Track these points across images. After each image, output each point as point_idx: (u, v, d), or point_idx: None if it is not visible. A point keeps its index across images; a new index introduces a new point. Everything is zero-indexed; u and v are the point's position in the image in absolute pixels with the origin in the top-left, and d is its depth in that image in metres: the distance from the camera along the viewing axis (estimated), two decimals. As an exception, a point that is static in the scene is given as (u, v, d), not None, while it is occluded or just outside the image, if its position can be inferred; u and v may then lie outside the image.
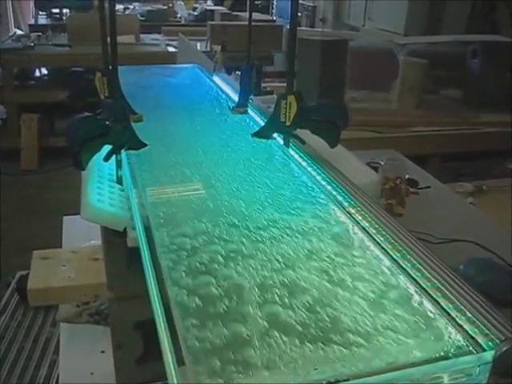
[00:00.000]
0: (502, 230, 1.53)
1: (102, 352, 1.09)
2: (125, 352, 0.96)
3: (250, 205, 0.80)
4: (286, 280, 0.62)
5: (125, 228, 0.80)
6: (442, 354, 0.48)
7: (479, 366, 0.48)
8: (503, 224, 1.59)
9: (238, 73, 2.37)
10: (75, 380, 1.04)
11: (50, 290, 0.98)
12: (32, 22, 5.89)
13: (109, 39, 0.85)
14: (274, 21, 5.17)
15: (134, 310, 0.91)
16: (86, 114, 0.77)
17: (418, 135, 3.00)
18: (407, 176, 1.67)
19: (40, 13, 5.87)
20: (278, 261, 0.66)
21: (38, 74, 4.74)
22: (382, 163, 1.71)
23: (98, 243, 1.04)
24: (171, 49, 4.27)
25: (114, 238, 0.84)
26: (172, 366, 0.50)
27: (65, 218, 1.58)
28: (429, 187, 1.80)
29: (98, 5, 0.90)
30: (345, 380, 0.45)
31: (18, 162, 3.97)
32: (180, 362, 0.51)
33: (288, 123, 0.90)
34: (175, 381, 0.49)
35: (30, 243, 2.68)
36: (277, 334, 0.53)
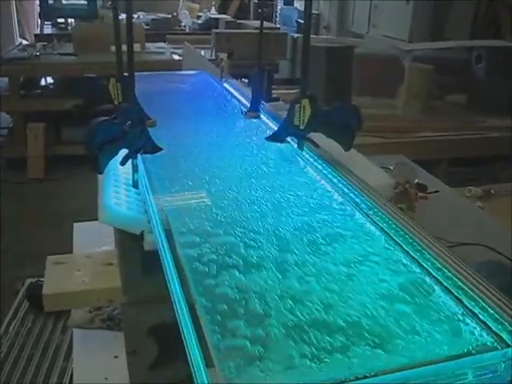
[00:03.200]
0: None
1: (116, 357, 1.09)
2: (139, 357, 0.96)
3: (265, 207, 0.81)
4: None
5: (141, 231, 0.80)
6: (467, 350, 0.49)
7: (504, 362, 0.49)
8: (512, 227, 1.59)
9: (244, 80, 2.38)
10: (90, 385, 1.04)
11: (64, 294, 0.98)
12: (37, 31, 5.92)
13: (125, 46, 0.86)
14: (279, 28, 5.19)
15: (149, 315, 0.91)
16: (104, 118, 0.77)
17: (424, 140, 3.00)
18: (416, 181, 1.68)
19: (45, 22, 5.89)
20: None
21: (43, 83, 4.76)
22: (392, 168, 1.71)
23: (111, 248, 1.05)
24: (176, 57, 4.29)
25: (129, 242, 0.85)
26: (202, 368, 0.50)
27: (75, 224, 1.58)
28: (437, 192, 1.80)
29: (112, 13, 0.91)
30: (372, 376, 0.45)
31: (24, 171, 3.99)
32: (209, 363, 0.51)
33: (302, 127, 0.91)
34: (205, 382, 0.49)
35: (37, 252, 2.68)
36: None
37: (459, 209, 1.75)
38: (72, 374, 1.27)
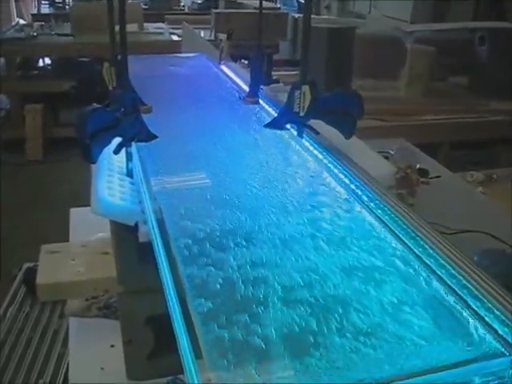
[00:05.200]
0: (513, 219, 1.51)
1: (112, 346, 1.08)
2: (135, 347, 0.95)
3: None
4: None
5: (136, 222, 0.78)
6: (473, 356, 0.47)
7: (512, 368, 0.47)
8: (514, 213, 1.57)
9: (244, 61, 2.33)
10: (85, 376, 1.02)
11: (59, 284, 0.96)
12: (35, 11, 5.85)
13: (117, 28, 0.83)
14: (279, 8, 5.11)
15: (145, 305, 0.90)
16: (95, 105, 0.74)
17: (425, 123, 2.96)
18: (418, 166, 1.65)
19: (43, 2, 5.82)
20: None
21: (41, 63, 4.70)
22: (392, 152, 1.69)
23: (107, 236, 1.03)
24: (175, 37, 4.24)
25: (124, 232, 0.83)
26: (190, 360, 0.50)
27: (72, 210, 1.56)
28: (439, 177, 1.78)
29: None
30: (373, 384, 0.43)
31: (22, 153, 3.96)
32: (198, 355, 0.51)
33: (302, 114, 0.88)
34: (194, 374, 0.48)
35: (36, 235, 2.67)
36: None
37: (461, 194, 1.73)
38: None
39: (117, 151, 0.79)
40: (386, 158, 1.64)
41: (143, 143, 0.84)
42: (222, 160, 0.92)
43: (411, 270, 0.61)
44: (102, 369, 1.03)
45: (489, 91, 3.10)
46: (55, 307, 2.18)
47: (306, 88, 0.85)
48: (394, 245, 0.66)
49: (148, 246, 0.73)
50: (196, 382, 0.48)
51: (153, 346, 0.94)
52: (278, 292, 0.58)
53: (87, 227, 1.32)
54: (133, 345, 0.95)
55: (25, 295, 2.28)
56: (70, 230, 1.47)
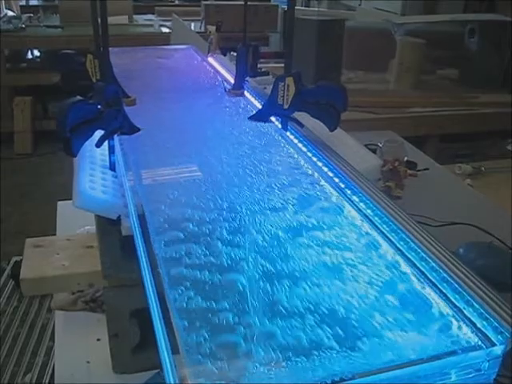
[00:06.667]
0: (501, 212, 1.52)
1: (98, 340, 1.07)
2: (121, 341, 0.94)
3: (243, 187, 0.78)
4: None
5: (119, 216, 0.78)
6: (450, 349, 0.46)
7: (489, 360, 0.46)
8: (502, 206, 1.58)
9: (233, 53, 2.32)
10: (71, 369, 1.02)
11: (43, 279, 0.95)
12: (23, 2, 5.79)
13: (99, 20, 0.82)
14: (269, 0, 5.09)
15: (130, 299, 0.89)
16: (78, 97, 0.73)
17: (415, 116, 2.96)
18: (406, 158, 1.65)
19: (31, -7, 5.77)
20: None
21: (30, 55, 4.67)
22: (381, 145, 1.69)
23: (93, 229, 1.02)
24: (165, 29, 4.22)
25: (108, 226, 0.82)
26: (166, 355, 0.50)
27: (59, 203, 1.56)
28: (427, 169, 1.78)
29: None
30: (350, 378, 0.43)
31: (11, 146, 3.93)
32: (175, 350, 0.51)
33: (286, 106, 0.88)
34: (169, 369, 0.48)
35: (25, 228, 2.66)
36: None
37: (449, 187, 1.74)
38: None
39: (99, 144, 0.78)
40: (374, 150, 1.64)
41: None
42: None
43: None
44: (88, 362, 1.03)
45: (478, 84, 3.11)
46: (43, 301, 2.18)
47: (290, 80, 0.85)
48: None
49: (132, 240, 0.73)
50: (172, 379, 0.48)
51: (138, 339, 0.94)
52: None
53: (74, 220, 1.31)
54: (119, 338, 0.95)
55: (12, 289, 2.27)
56: (56, 223, 1.46)
